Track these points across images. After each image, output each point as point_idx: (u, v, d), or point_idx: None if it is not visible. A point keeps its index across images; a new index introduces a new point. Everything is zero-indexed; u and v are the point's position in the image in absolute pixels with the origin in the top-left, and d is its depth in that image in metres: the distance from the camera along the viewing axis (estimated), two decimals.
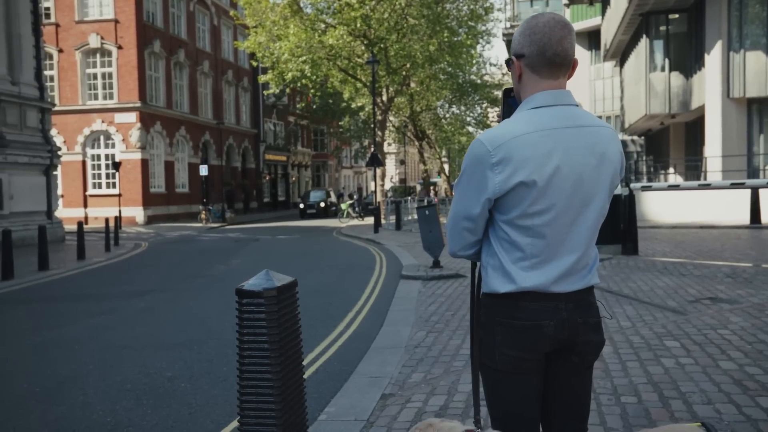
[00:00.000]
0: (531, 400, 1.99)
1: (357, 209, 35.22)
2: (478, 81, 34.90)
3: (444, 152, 48.77)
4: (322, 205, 38.91)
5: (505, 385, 1.98)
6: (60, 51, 32.94)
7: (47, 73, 27.34)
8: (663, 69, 25.09)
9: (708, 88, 21.93)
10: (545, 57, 1.91)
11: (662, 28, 25.37)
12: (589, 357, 2.01)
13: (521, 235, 1.90)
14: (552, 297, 1.91)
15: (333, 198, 43.19)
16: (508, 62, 2.02)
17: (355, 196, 39.02)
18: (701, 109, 22.77)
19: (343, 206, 34.50)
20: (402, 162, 70.65)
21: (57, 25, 32.76)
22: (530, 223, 1.88)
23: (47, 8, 31.74)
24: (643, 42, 25.31)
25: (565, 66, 1.94)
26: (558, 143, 1.86)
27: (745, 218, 17.15)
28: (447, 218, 2.04)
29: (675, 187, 20.36)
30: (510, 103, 2.12)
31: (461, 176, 1.96)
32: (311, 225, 30.53)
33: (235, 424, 4.42)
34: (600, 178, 1.93)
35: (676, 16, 25.01)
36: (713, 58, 21.58)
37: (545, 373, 2.00)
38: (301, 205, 39.56)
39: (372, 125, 29.17)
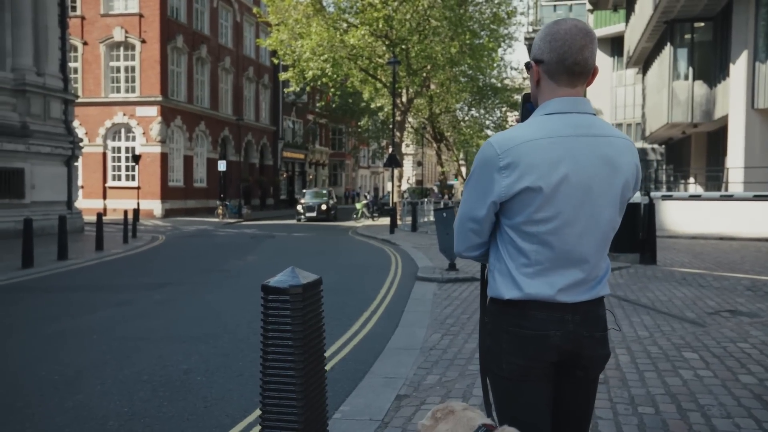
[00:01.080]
0: (539, 408, 1.96)
1: (372, 209, 35.21)
2: (499, 84, 34.77)
3: (462, 155, 48.67)
4: (324, 207, 32.06)
5: (512, 393, 1.96)
6: (85, 44, 33.29)
7: (71, 65, 27.61)
8: (686, 77, 24.86)
9: (732, 98, 21.70)
10: (564, 65, 1.88)
11: (687, 36, 25.14)
12: (593, 371, 2.00)
13: (526, 242, 1.88)
14: (558, 307, 1.89)
15: (334, 199, 37.24)
16: (528, 66, 2.00)
17: (368, 197, 38.92)
18: (724, 119, 22.53)
19: (357, 206, 34.63)
20: (419, 163, 70.67)
21: (82, 18, 33.11)
22: (535, 230, 1.86)
23: (73, 1, 32.09)
24: (667, 50, 25.10)
25: (585, 74, 1.91)
26: (568, 151, 1.84)
27: (766, 231, 16.95)
28: None
29: (696, 197, 20.18)
30: (528, 108, 2.11)
31: (470, 177, 1.95)
32: (326, 224, 30.57)
33: (250, 419, 4.45)
34: (611, 189, 1.89)
35: (702, 24, 24.77)
36: (738, 68, 21.35)
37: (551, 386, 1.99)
38: (299, 208, 32.43)
39: (391, 126, 29.16)
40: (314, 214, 31.79)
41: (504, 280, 1.92)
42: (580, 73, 1.89)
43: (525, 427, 1.94)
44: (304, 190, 37.61)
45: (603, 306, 1.99)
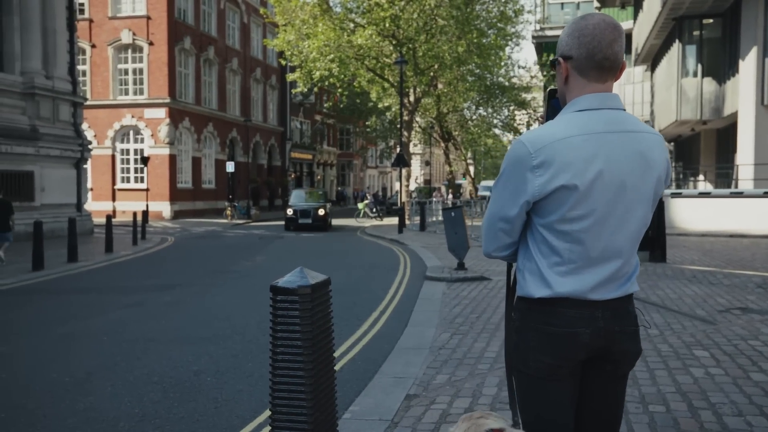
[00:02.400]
0: (564, 407, 1.96)
1: (375, 209, 34.99)
2: (506, 83, 34.63)
3: (470, 154, 48.59)
4: (322, 212, 25.78)
5: (538, 391, 1.95)
6: (93, 46, 33.44)
7: (80, 67, 27.74)
8: (695, 74, 24.72)
9: (742, 94, 21.56)
10: (594, 60, 1.87)
11: (696, 32, 25.00)
12: (624, 366, 1.98)
13: (559, 240, 1.86)
14: (589, 304, 1.88)
15: (362, 206, 33.71)
16: (554, 63, 1.98)
17: (369, 196, 38.69)
18: (734, 116, 22.40)
19: (360, 206, 34.31)
20: (427, 163, 70.54)
21: (90, 21, 33.26)
22: (569, 228, 1.85)
23: (81, 4, 32.24)
24: (676, 46, 24.97)
25: (614, 69, 1.89)
26: (601, 148, 1.82)
27: None
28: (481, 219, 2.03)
29: (705, 195, 20.07)
30: (554, 104, 2.08)
31: (500, 177, 1.93)
32: (335, 224, 30.58)
33: (260, 419, 4.45)
34: (644, 185, 1.88)
35: (711, 21, 24.62)
36: (748, 65, 21.22)
37: (580, 382, 1.97)
38: (290, 212, 25.97)
39: (398, 125, 29.15)
40: (309, 220, 25.41)
41: (534, 279, 1.91)
42: (610, 68, 1.88)
43: (548, 426, 1.95)
44: (293, 190, 30.34)
45: (632, 303, 1.98)
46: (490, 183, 57.79)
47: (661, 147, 1.93)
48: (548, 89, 2.15)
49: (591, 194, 1.82)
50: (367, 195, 40.90)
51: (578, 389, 1.98)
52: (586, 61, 1.88)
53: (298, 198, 27.68)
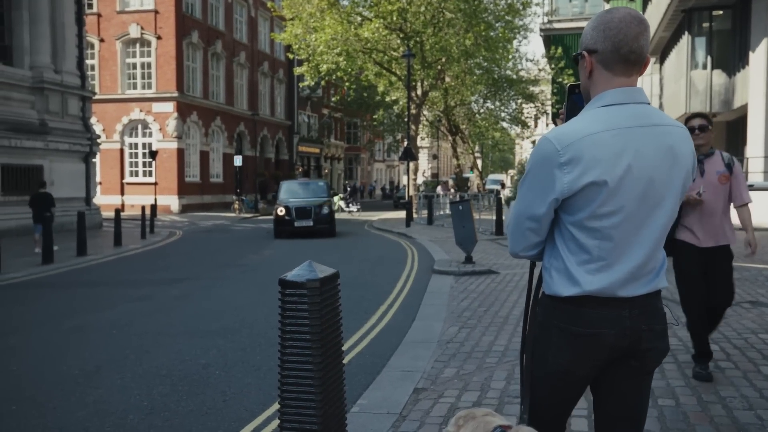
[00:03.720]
0: (570, 402, 2.02)
1: (351, 203, 34.66)
2: (514, 76, 34.48)
3: (477, 147, 48.48)
4: (326, 211, 19.45)
5: (549, 386, 1.97)
6: (101, 41, 33.51)
7: (88, 62, 27.79)
8: (705, 67, 24.54)
9: (752, 87, 21.39)
10: (620, 54, 1.85)
11: (705, 24, 24.81)
12: (651, 363, 1.96)
13: (589, 237, 1.84)
14: (617, 303, 1.85)
15: (337, 200, 29.08)
16: (577, 57, 1.95)
17: (348, 189, 38.28)
18: (744, 108, 22.23)
19: (335, 199, 33.70)
20: (435, 156, 70.44)
21: (99, 15, 33.32)
22: (599, 224, 1.83)
23: None
24: (685, 39, 24.79)
25: (640, 63, 1.88)
26: (629, 143, 1.80)
27: None
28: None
29: None
30: (574, 99, 2.06)
31: (527, 175, 1.90)
32: (342, 218, 30.56)
33: (268, 412, 4.46)
34: (672, 179, 1.86)
35: (720, 12, 24.42)
36: (758, 57, 21.04)
37: (602, 377, 1.96)
38: (281, 211, 19.05)
39: (406, 119, 29.10)
40: (309, 222, 18.85)
41: (561, 277, 1.89)
42: (636, 62, 1.86)
43: (548, 411, 2.00)
44: (283, 182, 22.36)
45: (660, 299, 1.96)
46: (497, 177, 57.67)
47: (687, 140, 1.91)
48: (568, 85, 2.12)
49: (620, 190, 1.80)
50: (347, 187, 40.73)
51: (586, 388, 2.00)
52: (611, 55, 1.86)
53: (290, 192, 20.45)
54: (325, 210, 19.40)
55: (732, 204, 4.71)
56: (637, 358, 1.92)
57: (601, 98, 1.88)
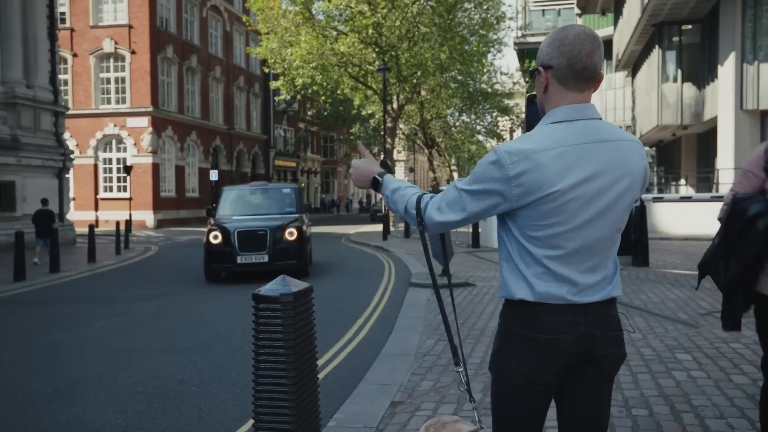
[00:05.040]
0: (538, 416, 2.00)
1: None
2: (489, 90, 34.83)
3: (453, 160, 48.74)
4: (291, 237, 12.28)
5: (514, 397, 1.98)
6: (74, 55, 33.25)
7: (61, 77, 27.56)
8: (675, 80, 25.01)
9: (721, 99, 21.84)
10: (574, 70, 1.89)
11: (675, 38, 25.32)
12: (609, 369, 1.99)
13: (539, 247, 1.89)
14: (570, 309, 1.89)
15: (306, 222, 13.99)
16: (533, 73, 2.00)
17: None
18: (714, 120, 22.68)
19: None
20: (411, 170, 70.69)
21: (72, 30, 33.08)
22: (544, 233, 1.88)
23: (63, 13, 32.05)
24: (656, 52, 25.26)
25: (593, 80, 1.92)
26: (578, 159, 1.85)
27: None
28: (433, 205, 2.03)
29: (687, 199, 20.26)
30: (533, 109, 2.11)
31: (473, 181, 1.92)
32: (320, 231, 30.49)
33: (245, 428, 4.43)
34: (620, 192, 1.91)
35: (689, 26, 24.95)
36: (726, 70, 21.51)
37: (562, 385, 1.99)
38: (215, 238, 12.31)
39: (382, 132, 29.21)
40: (263, 257, 12.18)
41: (516, 281, 1.93)
42: (589, 78, 1.91)
43: (518, 429, 1.98)
44: (226, 189, 14.90)
45: (615, 307, 2.00)
46: None
47: (639, 153, 1.96)
48: (528, 95, 2.18)
49: (567, 204, 1.85)
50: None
51: (551, 400, 2.01)
52: (566, 71, 1.90)
53: (236, 205, 13.83)
54: (290, 235, 12.20)
55: None
56: (595, 365, 1.96)
57: (552, 115, 1.93)
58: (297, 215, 13.16)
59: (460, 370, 2.08)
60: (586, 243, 1.89)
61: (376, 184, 2.24)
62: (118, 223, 19.99)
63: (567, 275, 1.89)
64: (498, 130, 37.05)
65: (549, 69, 1.93)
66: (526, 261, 1.91)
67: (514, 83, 37.47)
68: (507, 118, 36.24)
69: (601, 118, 1.96)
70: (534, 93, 2.09)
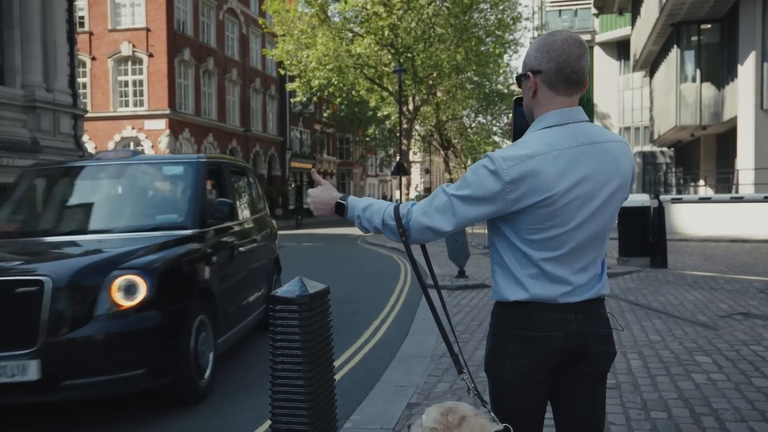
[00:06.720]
0: (537, 414, 2.05)
1: None
2: (505, 91, 34.76)
3: (469, 161, 48.72)
4: (131, 302, 4.30)
5: (512, 396, 2.02)
6: (93, 59, 33.58)
7: (80, 80, 27.80)
8: (694, 80, 24.79)
9: (741, 99, 21.61)
10: (563, 74, 1.94)
11: (694, 38, 25.09)
12: (600, 367, 2.04)
13: (531, 249, 1.94)
14: (561, 308, 1.95)
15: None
16: (520, 79, 2.04)
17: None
18: (733, 120, 22.44)
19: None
20: (427, 171, 70.73)
21: (90, 34, 33.42)
22: (539, 237, 1.92)
23: (81, 17, 32.38)
24: (674, 52, 25.05)
25: (580, 84, 1.98)
26: (570, 163, 1.89)
27: None
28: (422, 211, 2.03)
29: (706, 200, 20.06)
30: (521, 112, 2.14)
31: (466, 186, 1.92)
32: (336, 233, 30.55)
33: (261, 429, 4.44)
34: (610, 193, 1.96)
35: (708, 26, 24.71)
36: (746, 69, 21.27)
37: (556, 385, 2.03)
38: None
39: (398, 134, 29.23)
40: (25, 371, 3.97)
41: (508, 283, 1.98)
42: (577, 82, 1.96)
43: (520, 429, 2.00)
44: (29, 168, 7.54)
45: (604, 306, 2.06)
46: None
47: (626, 154, 2.02)
48: (514, 98, 2.20)
49: (561, 208, 1.89)
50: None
51: (547, 399, 2.06)
52: (555, 75, 1.95)
53: (45, 204, 6.51)
54: (127, 293, 4.35)
55: None
56: (587, 363, 2.00)
57: (542, 121, 1.98)
58: (186, 232, 5.35)
59: (465, 377, 2.07)
60: (580, 243, 1.95)
61: (340, 209, 2.19)
62: None
63: (562, 275, 1.94)
64: None
65: (538, 74, 1.98)
66: (521, 263, 1.95)
67: None
68: None
69: (589, 121, 2.01)
70: (521, 96, 2.11)
